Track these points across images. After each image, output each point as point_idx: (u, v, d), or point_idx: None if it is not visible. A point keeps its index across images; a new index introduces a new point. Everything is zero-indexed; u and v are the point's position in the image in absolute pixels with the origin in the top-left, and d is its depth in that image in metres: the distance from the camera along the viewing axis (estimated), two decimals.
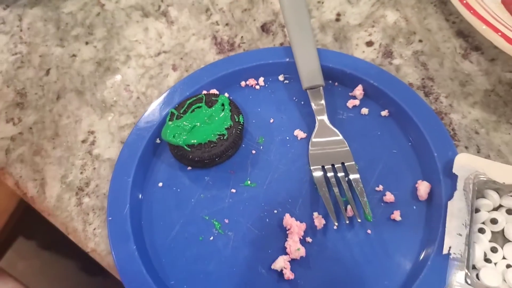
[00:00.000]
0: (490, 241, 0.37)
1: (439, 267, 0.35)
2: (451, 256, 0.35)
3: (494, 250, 0.37)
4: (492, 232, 0.38)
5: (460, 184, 0.38)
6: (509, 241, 0.37)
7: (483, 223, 0.38)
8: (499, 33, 0.41)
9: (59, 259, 1.22)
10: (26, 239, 1.27)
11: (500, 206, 0.39)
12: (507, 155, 0.42)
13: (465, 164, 0.38)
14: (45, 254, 1.26)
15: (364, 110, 0.45)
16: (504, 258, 0.37)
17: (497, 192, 0.38)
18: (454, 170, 0.38)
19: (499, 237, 0.38)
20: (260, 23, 0.52)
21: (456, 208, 0.37)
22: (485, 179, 0.38)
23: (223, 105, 0.43)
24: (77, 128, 0.48)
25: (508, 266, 0.36)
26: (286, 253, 0.38)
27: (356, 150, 0.42)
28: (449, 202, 0.37)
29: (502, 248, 0.37)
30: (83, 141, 0.47)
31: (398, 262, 0.38)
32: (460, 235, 0.36)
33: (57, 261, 1.17)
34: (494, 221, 0.38)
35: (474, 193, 0.37)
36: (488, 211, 0.38)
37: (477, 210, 0.38)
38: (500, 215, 0.38)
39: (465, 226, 0.36)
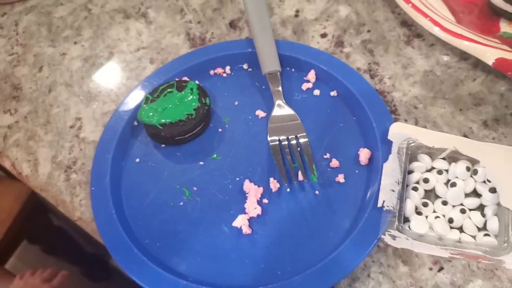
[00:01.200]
0: (422, 198, 0.43)
1: (375, 219, 0.41)
2: (384, 209, 0.41)
3: (425, 204, 0.42)
4: (425, 190, 0.43)
5: (394, 149, 0.43)
6: (439, 197, 0.43)
7: (417, 182, 0.44)
8: (428, 18, 0.47)
9: (63, 264, 1.27)
10: (30, 244, 1.32)
11: (432, 168, 0.44)
12: (441, 126, 0.48)
13: (399, 131, 0.44)
14: (49, 259, 1.31)
15: (316, 92, 0.51)
16: (434, 211, 0.42)
17: (429, 156, 0.44)
18: (389, 137, 0.44)
19: (432, 195, 0.43)
20: (229, 20, 0.59)
21: (390, 168, 0.42)
22: (417, 144, 0.43)
23: (192, 89, 0.49)
24: (66, 115, 0.54)
25: (436, 217, 0.42)
26: (245, 213, 0.44)
27: (308, 126, 0.48)
28: (384, 164, 0.43)
29: (433, 203, 0.43)
30: (71, 127, 0.53)
31: (341, 217, 0.43)
32: (393, 191, 0.41)
33: (61, 266, 1.22)
34: (426, 181, 0.43)
35: (407, 156, 0.43)
36: (422, 172, 0.44)
37: (412, 172, 0.44)
38: (432, 176, 0.43)
39: (398, 183, 0.42)
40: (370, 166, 0.45)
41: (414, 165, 0.44)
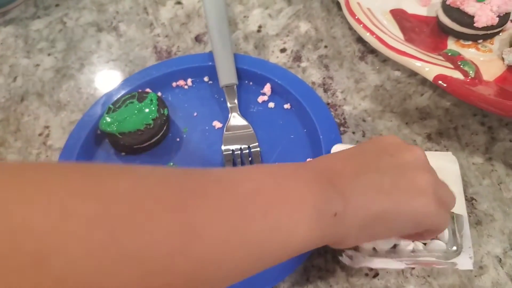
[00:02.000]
0: None
1: None
2: None
3: None
4: None
5: None
6: None
7: None
8: (374, 36, 0.50)
9: None
10: None
11: None
12: None
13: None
14: None
15: (271, 104, 0.53)
16: None
17: None
18: None
19: None
20: (195, 34, 0.61)
21: None
22: None
23: (151, 100, 0.52)
24: (36, 124, 0.57)
25: None
26: None
27: (261, 137, 0.51)
28: None
29: None
30: (40, 134, 0.56)
31: None
32: None
33: None
34: None
35: None
36: None
37: None
38: None
39: None
40: None
41: None
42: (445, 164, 0.43)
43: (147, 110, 0.51)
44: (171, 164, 0.51)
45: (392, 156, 0.35)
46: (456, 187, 0.41)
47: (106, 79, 0.59)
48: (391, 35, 0.51)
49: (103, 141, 0.53)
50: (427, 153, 0.45)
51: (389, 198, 0.33)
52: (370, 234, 0.34)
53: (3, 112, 0.58)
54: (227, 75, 0.53)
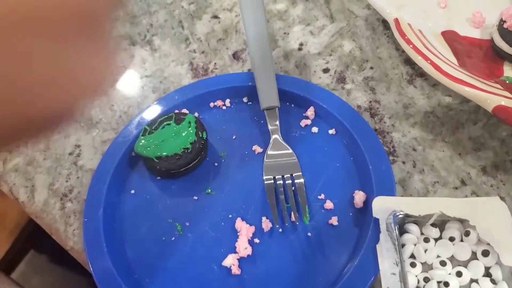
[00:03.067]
0: (422, 272, 0.40)
1: (366, 265, 0.40)
2: None
3: (426, 279, 0.39)
4: (421, 263, 0.40)
5: (382, 226, 0.41)
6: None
7: (412, 256, 0.41)
8: (429, 61, 0.46)
9: (71, 274, 1.27)
10: (38, 254, 1.33)
11: (422, 235, 0.42)
12: (439, 170, 0.47)
13: (382, 206, 0.42)
14: (57, 270, 1.32)
15: (315, 129, 0.50)
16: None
17: (417, 225, 0.42)
18: (374, 214, 0.42)
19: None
20: (232, 51, 0.59)
21: (384, 249, 0.40)
22: (402, 215, 0.41)
23: (189, 122, 0.49)
24: (66, 142, 0.54)
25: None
26: (235, 252, 0.44)
27: (305, 164, 0.48)
28: (377, 246, 0.41)
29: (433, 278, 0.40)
30: (70, 154, 0.53)
31: (332, 261, 0.43)
32: (394, 274, 0.39)
33: (69, 276, 1.22)
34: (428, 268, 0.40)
35: (398, 231, 0.41)
36: (414, 244, 0.41)
37: (403, 245, 0.41)
38: (429, 255, 0.40)
39: (397, 264, 0.39)
40: (364, 209, 0.45)
41: (405, 238, 0.41)
42: (493, 211, 0.40)
43: (185, 133, 0.48)
44: (209, 190, 0.48)
45: None
46: (508, 236, 0.38)
47: (140, 96, 0.57)
48: (445, 60, 0.48)
49: (137, 164, 0.51)
50: (470, 199, 0.42)
51: None
52: None
53: None
54: (268, 97, 0.50)
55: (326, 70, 0.55)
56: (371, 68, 0.55)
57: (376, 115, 0.51)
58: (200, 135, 0.49)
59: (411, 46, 0.49)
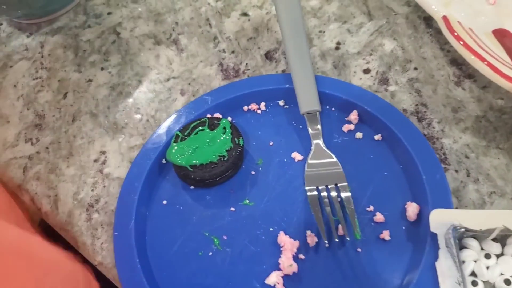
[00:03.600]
0: None
1: (425, 284, 0.37)
2: None
3: None
4: (483, 282, 0.37)
5: (441, 242, 0.38)
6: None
7: (473, 274, 0.38)
8: (485, 62, 0.43)
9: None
10: None
11: (483, 250, 0.38)
12: (495, 179, 0.43)
13: (440, 219, 0.38)
14: None
15: (359, 134, 0.47)
16: None
17: (477, 239, 0.38)
18: (432, 229, 0.38)
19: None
20: (264, 51, 0.55)
21: (445, 267, 0.37)
22: (462, 230, 0.38)
23: (224, 128, 0.46)
24: (90, 148, 0.51)
25: None
26: (279, 269, 0.41)
27: (349, 172, 0.44)
28: (436, 263, 0.37)
29: None
30: (95, 161, 0.50)
31: (386, 279, 0.39)
32: None
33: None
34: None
35: (457, 247, 0.37)
36: (474, 260, 0.38)
37: (463, 261, 0.38)
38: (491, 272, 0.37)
39: (459, 283, 0.36)
40: (418, 222, 0.41)
41: (464, 254, 0.38)
42: None
43: (220, 139, 0.45)
44: (246, 201, 0.45)
45: None
46: None
47: (168, 99, 0.53)
48: (501, 61, 0.45)
49: (169, 172, 0.47)
50: None
51: None
52: None
53: (53, 133, 0.53)
54: (308, 101, 0.47)
55: (367, 71, 0.52)
56: (415, 69, 0.51)
57: (424, 119, 0.48)
58: (237, 142, 0.45)
59: (461, 43, 0.45)
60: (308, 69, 0.48)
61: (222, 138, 0.45)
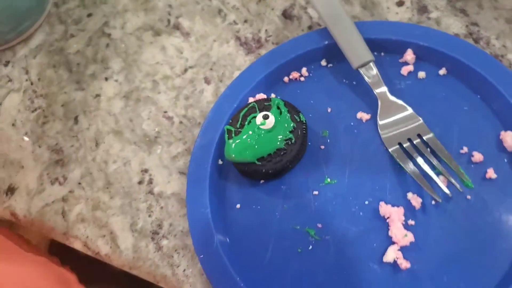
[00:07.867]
0: None
1: None
2: None
3: None
4: None
5: None
6: None
7: None
8: None
9: None
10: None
11: None
12: None
13: None
14: None
15: (421, 74, 0.42)
16: None
17: None
18: None
19: None
20: (280, 11, 0.49)
21: None
22: None
23: (278, 107, 0.41)
24: (128, 170, 0.45)
25: None
26: (393, 242, 0.37)
27: (426, 118, 0.40)
28: None
29: None
30: (140, 182, 0.44)
31: (508, 220, 0.36)
32: None
33: None
34: None
35: None
36: None
37: None
38: None
39: None
40: None
41: None
42: None
43: (279, 121, 0.40)
44: (328, 180, 0.40)
45: None
46: None
47: (195, 93, 0.47)
48: None
49: (229, 172, 0.42)
50: None
51: None
52: None
53: (79, 165, 0.46)
54: (358, 52, 0.42)
55: (400, 3, 0.47)
56: None
57: (480, 39, 0.44)
58: (298, 119, 0.41)
59: None
60: (345, 18, 0.43)
61: (280, 119, 0.40)
